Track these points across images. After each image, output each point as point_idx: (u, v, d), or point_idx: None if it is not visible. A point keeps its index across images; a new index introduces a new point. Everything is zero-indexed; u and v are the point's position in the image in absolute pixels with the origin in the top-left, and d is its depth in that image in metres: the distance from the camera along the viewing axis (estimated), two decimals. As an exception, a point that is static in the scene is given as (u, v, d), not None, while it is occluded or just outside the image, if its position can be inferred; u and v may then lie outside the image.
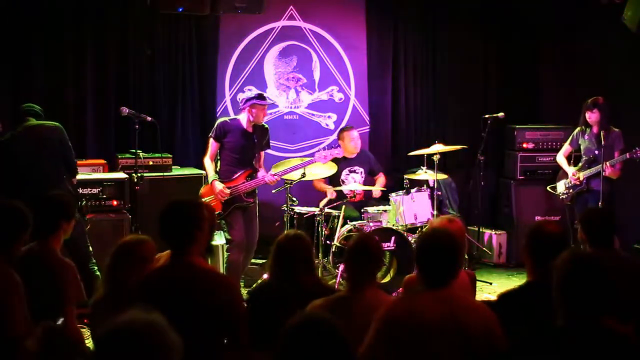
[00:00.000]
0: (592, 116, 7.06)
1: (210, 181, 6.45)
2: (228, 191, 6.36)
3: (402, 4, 8.61)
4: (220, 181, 6.42)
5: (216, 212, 6.33)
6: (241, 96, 8.08)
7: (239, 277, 6.49)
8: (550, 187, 7.61)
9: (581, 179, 7.11)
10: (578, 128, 7.26)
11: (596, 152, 7.03)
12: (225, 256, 6.47)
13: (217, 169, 6.53)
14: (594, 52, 8.52)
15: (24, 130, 5.98)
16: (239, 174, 6.47)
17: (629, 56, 8.04)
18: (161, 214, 3.50)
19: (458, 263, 3.17)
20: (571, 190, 7.26)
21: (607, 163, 6.87)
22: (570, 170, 7.28)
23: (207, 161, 6.53)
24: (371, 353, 2.99)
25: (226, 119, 6.71)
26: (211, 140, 6.53)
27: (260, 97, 6.51)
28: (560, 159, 7.48)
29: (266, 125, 6.71)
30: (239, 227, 6.42)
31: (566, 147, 7.45)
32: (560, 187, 7.42)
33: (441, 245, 3.09)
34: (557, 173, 8.29)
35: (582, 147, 7.22)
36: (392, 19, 8.58)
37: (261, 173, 6.56)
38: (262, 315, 3.58)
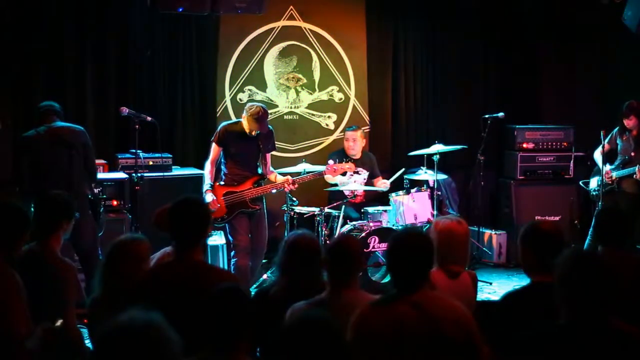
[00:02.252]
0: (629, 122, 7.06)
1: (204, 190, 6.36)
2: (218, 206, 6.26)
3: (402, 4, 8.60)
4: (223, 185, 6.38)
5: (219, 216, 6.34)
6: (242, 96, 8.10)
7: (247, 282, 6.33)
8: (583, 182, 7.59)
9: (614, 178, 7.10)
10: (618, 127, 7.22)
11: (632, 153, 7.05)
12: (232, 262, 6.37)
13: (221, 173, 6.47)
14: (594, 52, 8.54)
15: (49, 129, 5.91)
16: (245, 179, 6.43)
17: (629, 56, 8.05)
18: (173, 210, 3.49)
19: (430, 264, 3.09)
20: (602, 189, 7.22)
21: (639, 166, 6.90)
22: (605, 168, 7.25)
23: (207, 166, 6.43)
24: None
25: (229, 122, 6.67)
26: (213, 145, 6.46)
27: (255, 115, 6.24)
28: (597, 156, 7.40)
29: (271, 128, 6.67)
30: (243, 232, 6.34)
31: (605, 146, 7.36)
32: (593, 183, 7.40)
33: (412, 249, 3.01)
34: (557, 173, 8.35)
35: (619, 148, 7.19)
36: (392, 19, 8.58)
37: (273, 177, 6.55)
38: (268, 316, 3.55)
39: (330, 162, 6.85)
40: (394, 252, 3.06)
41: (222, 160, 6.49)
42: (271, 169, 6.70)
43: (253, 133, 6.36)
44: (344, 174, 7.01)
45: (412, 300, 2.95)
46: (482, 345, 2.99)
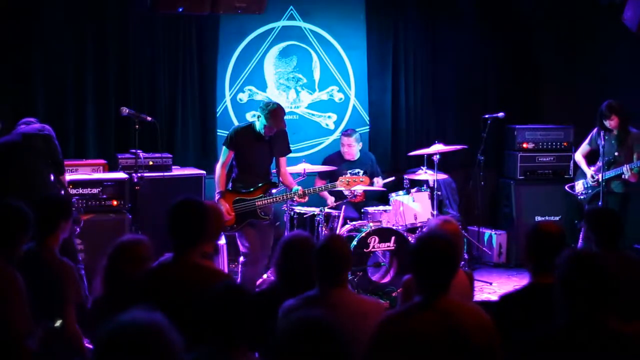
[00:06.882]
0: (612, 123, 6.96)
1: (215, 198, 6.30)
2: (231, 215, 6.18)
3: (402, 4, 8.61)
4: (234, 192, 6.31)
5: (229, 225, 6.23)
6: (242, 96, 8.11)
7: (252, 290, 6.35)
8: (568, 187, 7.51)
9: (600, 180, 6.98)
10: (597, 127, 7.14)
11: (616, 153, 6.99)
12: (240, 269, 6.35)
13: (231, 179, 6.40)
14: (594, 52, 8.53)
15: (13, 133, 5.84)
16: (256, 186, 6.34)
17: (629, 56, 8.05)
18: (171, 210, 3.49)
19: (457, 267, 3.10)
20: (590, 191, 7.19)
21: (628, 166, 6.84)
22: (589, 171, 7.19)
23: (218, 170, 6.35)
24: None
25: (240, 125, 6.59)
26: (224, 149, 6.39)
27: (273, 111, 6.18)
28: (579, 158, 7.37)
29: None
30: (253, 241, 6.27)
31: (585, 147, 7.34)
32: (579, 186, 7.34)
33: (440, 254, 2.98)
34: (557, 173, 8.34)
35: (601, 148, 7.14)
36: (392, 19, 8.57)
37: (282, 188, 6.47)
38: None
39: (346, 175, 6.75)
40: (420, 258, 3.01)
41: (234, 163, 6.42)
42: (290, 176, 6.59)
43: (273, 132, 6.23)
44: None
45: (436, 306, 2.93)
46: (500, 347, 2.97)
